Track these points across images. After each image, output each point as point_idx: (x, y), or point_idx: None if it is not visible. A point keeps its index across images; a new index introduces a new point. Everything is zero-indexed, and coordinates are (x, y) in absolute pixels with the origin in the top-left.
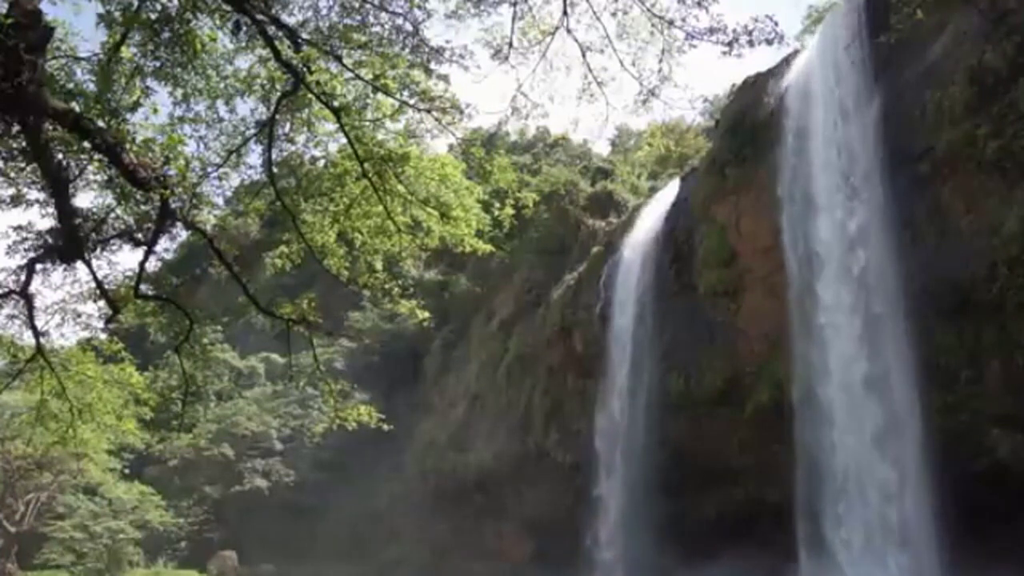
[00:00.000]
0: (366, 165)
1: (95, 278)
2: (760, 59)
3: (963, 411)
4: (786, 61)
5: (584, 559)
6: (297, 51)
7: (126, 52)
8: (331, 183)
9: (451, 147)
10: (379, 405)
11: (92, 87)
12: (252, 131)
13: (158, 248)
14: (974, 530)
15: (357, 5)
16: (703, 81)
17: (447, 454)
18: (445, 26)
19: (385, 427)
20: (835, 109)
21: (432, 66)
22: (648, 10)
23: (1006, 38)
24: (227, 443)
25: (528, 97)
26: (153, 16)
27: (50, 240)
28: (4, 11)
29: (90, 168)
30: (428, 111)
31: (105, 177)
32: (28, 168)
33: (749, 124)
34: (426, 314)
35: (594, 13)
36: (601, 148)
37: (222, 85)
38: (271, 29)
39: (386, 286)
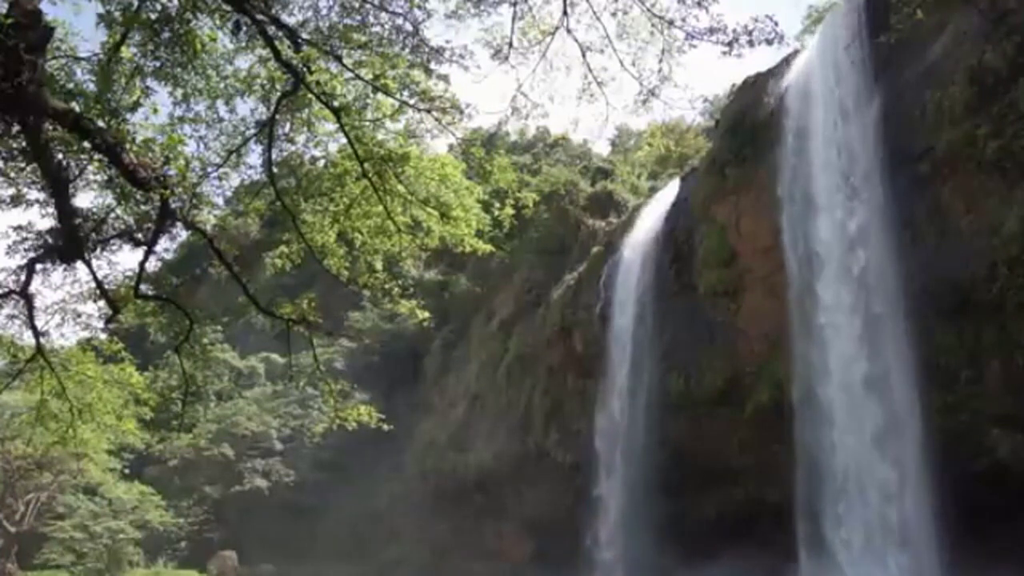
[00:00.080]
0: (366, 165)
1: (95, 278)
2: (760, 59)
3: (963, 411)
4: (786, 61)
5: (584, 559)
6: (297, 51)
7: (126, 52)
8: (331, 183)
9: (451, 147)
10: (379, 405)
11: (92, 87)
12: (252, 131)
13: (158, 248)
14: (974, 530)
15: (357, 5)
16: (703, 81)
17: (447, 454)
18: (445, 26)
19: (385, 427)
20: (835, 109)
21: (432, 66)
22: (648, 10)
23: (1006, 38)
24: (227, 443)
25: (528, 97)
26: (153, 16)
27: (50, 240)
28: (4, 11)
29: (90, 168)
30: (428, 111)
31: (105, 177)
32: (28, 168)
33: (749, 124)
34: (426, 314)
35: (594, 13)
36: (601, 148)
37: (222, 85)
38: (271, 29)
39: (386, 286)
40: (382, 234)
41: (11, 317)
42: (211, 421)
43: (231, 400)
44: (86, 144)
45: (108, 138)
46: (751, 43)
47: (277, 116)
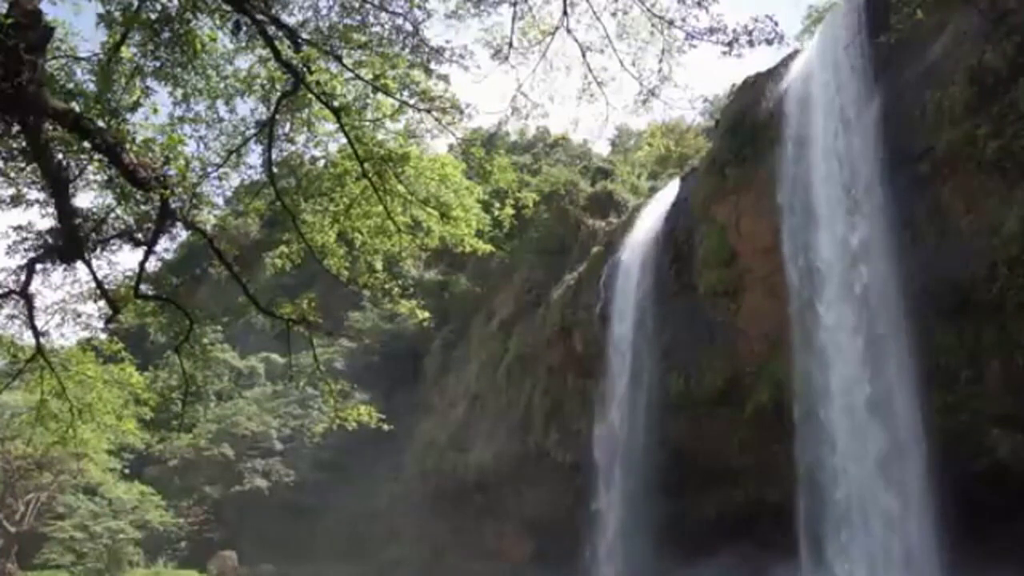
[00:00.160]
0: (366, 165)
1: (95, 278)
2: (760, 59)
3: (963, 411)
4: (784, 63)
5: (583, 573)
6: (297, 51)
7: (126, 52)
8: (331, 183)
9: (451, 147)
10: (379, 405)
11: (92, 87)
12: (252, 131)
13: (158, 248)
14: (974, 530)
15: (357, 5)
16: (703, 81)
17: (447, 454)
18: (445, 26)
19: (385, 427)
20: (835, 117)
21: (432, 66)
22: (648, 10)
23: (1006, 38)
24: (227, 443)
25: (528, 97)
26: (153, 16)
27: (50, 240)
28: (4, 11)
29: (90, 168)
30: (428, 111)
31: (105, 177)
32: (28, 168)
33: (749, 124)
34: (426, 314)
35: (594, 13)
36: (601, 148)
37: (222, 85)
38: (271, 29)
39: (386, 286)
40: (382, 234)
41: (11, 317)
42: (211, 421)
43: (231, 400)
44: (86, 144)
45: (108, 138)
46: (751, 43)
47: (277, 116)
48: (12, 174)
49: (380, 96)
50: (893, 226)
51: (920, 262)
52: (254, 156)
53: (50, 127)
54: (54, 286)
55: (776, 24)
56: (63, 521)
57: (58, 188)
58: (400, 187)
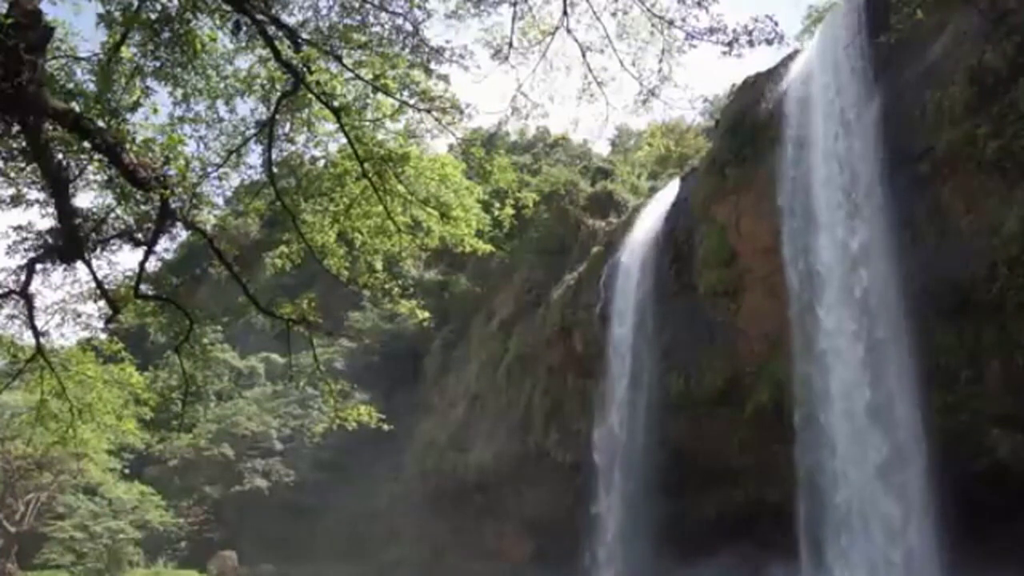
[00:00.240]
0: (366, 165)
1: (95, 278)
2: (760, 59)
3: (963, 411)
4: (784, 63)
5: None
6: (297, 51)
7: (126, 52)
8: (331, 183)
9: (451, 147)
10: (379, 405)
11: (92, 87)
12: (252, 131)
13: (158, 248)
14: (974, 530)
15: (357, 5)
16: (703, 81)
17: (447, 454)
18: (445, 26)
19: (385, 427)
20: (836, 120)
21: (432, 66)
22: (648, 10)
23: (1006, 38)
24: (227, 443)
25: (528, 97)
26: (153, 16)
27: (50, 240)
28: (4, 11)
29: (90, 168)
30: (428, 111)
31: (105, 177)
32: (28, 168)
33: (749, 124)
34: (426, 314)
35: (594, 13)
36: (601, 148)
37: (222, 85)
38: (271, 29)
39: (386, 286)
40: (382, 234)
41: (11, 317)
42: (211, 421)
43: (231, 400)
44: (86, 144)
45: (108, 138)
46: (751, 43)
47: (277, 116)
48: (12, 174)
49: (380, 96)
50: (893, 228)
51: (920, 262)
52: (254, 156)
53: (50, 127)
54: (54, 286)
55: (776, 24)
56: (63, 521)
57: (58, 188)
58: (400, 187)
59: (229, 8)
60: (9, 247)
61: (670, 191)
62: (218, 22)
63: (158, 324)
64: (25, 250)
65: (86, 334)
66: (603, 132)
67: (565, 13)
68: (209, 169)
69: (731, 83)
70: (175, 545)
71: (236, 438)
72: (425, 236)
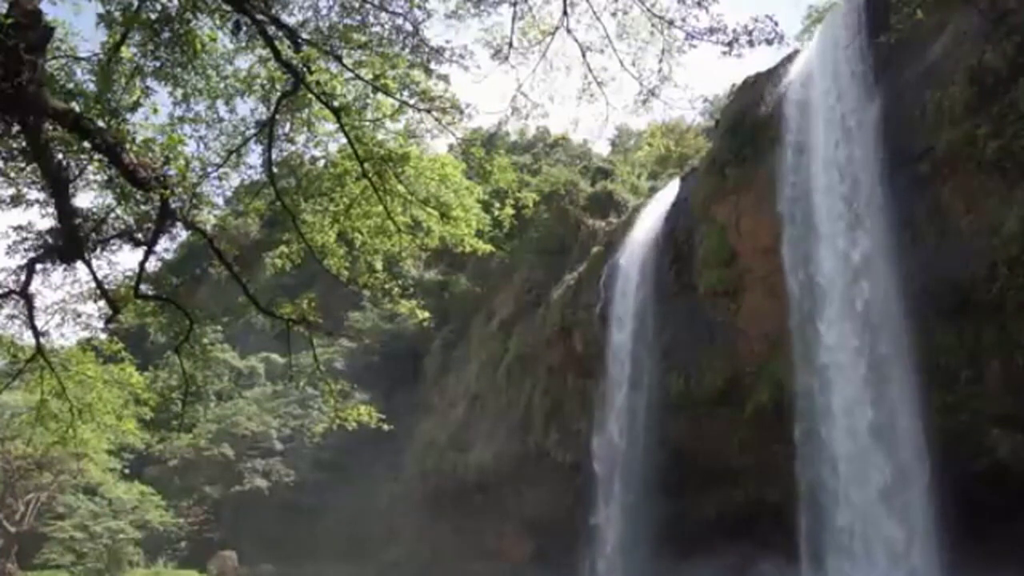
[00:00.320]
0: (366, 165)
1: (95, 278)
2: (760, 59)
3: (963, 411)
4: (785, 63)
5: None
6: (297, 51)
7: (126, 52)
8: (331, 183)
9: (451, 147)
10: (379, 405)
11: (92, 87)
12: (252, 131)
13: (158, 248)
14: (974, 530)
15: (357, 5)
16: (703, 81)
17: (447, 454)
18: (445, 26)
19: (385, 427)
20: (836, 127)
21: (432, 66)
22: (648, 10)
23: (1006, 38)
24: (227, 443)
25: (528, 97)
26: (153, 16)
27: (50, 240)
28: (4, 11)
29: (90, 168)
30: (428, 111)
31: (105, 177)
32: (28, 168)
33: (749, 124)
34: (426, 314)
35: (594, 13)
36: (601, 148)
37: (222, 85)
38: (271, 29)
39: (386, 286)
40: (382, 234)
41: (11, 317)
42: (211, 421)
43: (231, 400)
44: (86, 144)
45: (108, 138)
46: (751, 43)
47: (277, 116)
48: (12, 174)
49: (380, 96)
50: (893, 228)
51: (920, 262)
52: (254, 156)
53: (50, 127)
54: (54, 286)
55: (776, 24)
56: (63, 521)
57: (58, 188)
58: (400, 187)
59: (229, 8)
60: (9, 247)
61: (670, 191)
62: (218, 22)
63: (158, 324)
64: (25, 250)
65: (86, 334)
66: (603, 132)
67: (565, 13)
68: (209, 169)
69: (731, 83)
70: (175, 545)
71: (236, 438)
72: (425, 236)
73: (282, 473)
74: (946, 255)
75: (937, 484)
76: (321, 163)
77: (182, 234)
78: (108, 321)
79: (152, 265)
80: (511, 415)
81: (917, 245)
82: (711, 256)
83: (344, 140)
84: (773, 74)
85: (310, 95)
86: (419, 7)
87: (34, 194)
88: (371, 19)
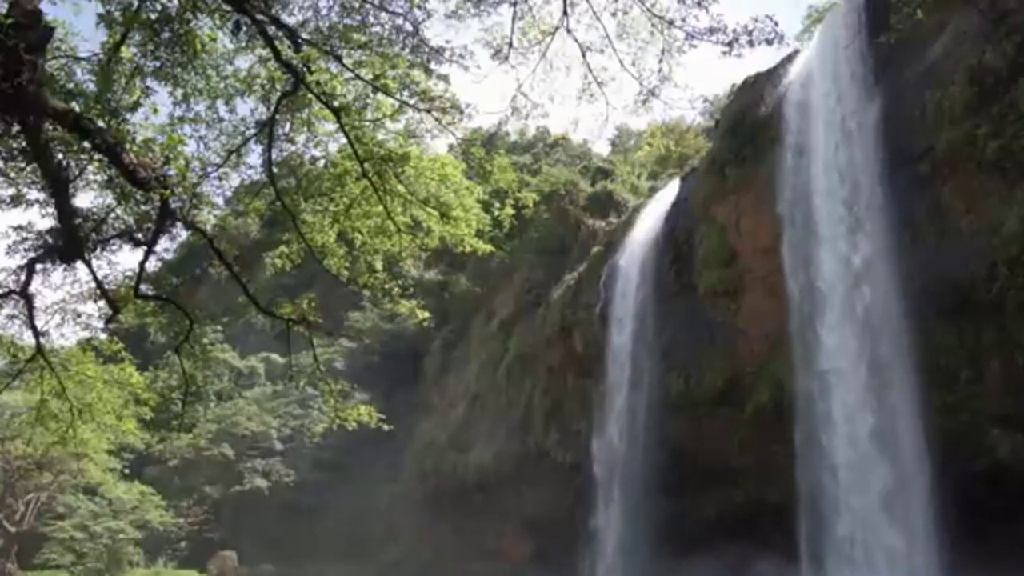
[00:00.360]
0: (366, 165)
1: (95, 278)
2: (760, 59)
3: (963, 411)
4: (785, 63)
5: None
6: (297, 51)
7: (126, 52)
8: (331, 183)
9: (451, 147)
10: (379, 405)
11: (92, 87)
12: (252, 131)
13: (158, 248)
14: (974, 530)
15: (357, 5)
16: (703, 81)
17: (447, 454)
18: (445, 26)
19: (385, 427)
20: (836, 129)
21: (432, 66)
22: (648, 10)
23: (1006, 38)
24: (227, 443)
25: (528, 97)
26: (153, 16)
27: (50, 240)
28: (4, 11)
29: (90, 168)
30: (428, 111)
31: (105, 177)
32: (28, 168)
33: (749, 124)
34: (426, 314)
35: (594, 13)
36: (601, 148)
37: (222, 85)
38: (271, 29)
39: (386, 286)
40: (382, 234)
41: (11, 317)
42: (211, 421)
43: (231, 400)
44: (86, 144)
45: (108, 138)
46: (751, 43)
47: (277, 116)
48: (12, 174)
49: (380, 96)
50: (895, 234)
51: (920, 262)
52: (254, 156)
53: (50, 127)
54: (54, 286)
55: (776, 24)
56: (63, 521)
57: (58, 188)
58: (400, 187)
59: (229, 8)
60: (9, 247)
61: (670, 191)
62: (218, 22)
63: (158, 324)
64: (25, 250)
65: (86, 334)
66: (603, 132)
67: (565, 13)
68: (209, 169)
69: (731, 83)
70: (175, 545)
71: (236, 438)
72: (425, 236)
73: (282, 473)
74: (946, 255)
75: (937, 486)
76: (321, 163)
77: (182, 234)
78: (108, 321)
79: (152, 265)
80: (511, 415)
81: (917, 245)
82: (711, 256)
83: (344, 140)
84: (773, 74)
85: (310, 95)
86: (419, 7)
87: (34, 194)
88: (371, 19)
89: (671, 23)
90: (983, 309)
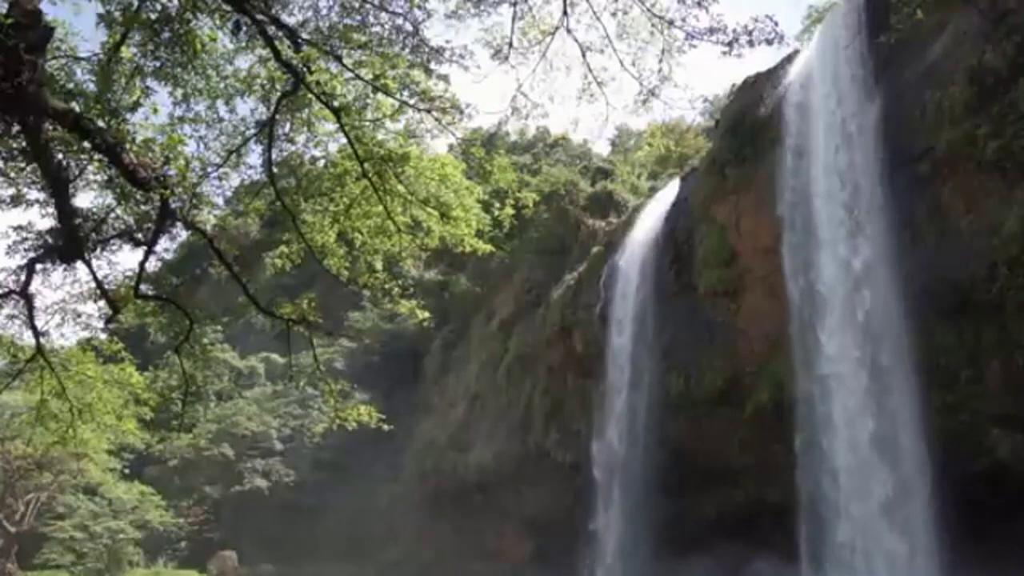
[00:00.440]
0: (366, 165)
1: (95, 278)
2: (760, 59)
3: (963, 411)
4: (784, 63)
5: None
6: (297, 51)
7: (126, 52)
8: (331, 183)
9: (451, 147)
10: (379, 405)
11: (92, 87)
12: (252, 131)
13: (158, 248)
14: (974, 530)
15: (357, 5)
16: (703, 81)
17: (447, 454)
18: (445, 26)
19: (385, 427)
20: (837, 132)
21: (432, 66)
22: (648, 10)
23: (1006, 38)
24: (227, 443)
25: (528, 97)
26: (153, 16)
27: (50, 240)
28: (4, 11)
29: (90, 168)
30: (428, 111)
31: (105, 177)
32: (28, 168)
33: (749, 124)
34: (426, 314)
35: (594, 13)
36: (601, 148)
37: (222, 85)
38: (271, 29)
39: (386, 286)
40: (382, 234)
41: (11, 317)
42: (211, 421)
43: (231, 400)
44: (86, 144)
45: (108, 138)
46: (751, 43)
47: (277, 116)
48: (12, 174)
49: (380, 96)
50: (895, 236)
51: (920, 262)
52: (254, 156)
53: (50, 127)
54: (54, 286)
55: (776, 24)
56: (63, 521)
57: (58, 188)
58: (400, 187)
59: (229, 8)
60: (9, 247)
61: (670, 191)
62: (218, 22)
63: (158, 324)
64: (25, 250)
65: (86, 334)
66: (603, 132)
67: (565, 13)
68: (209, 169)
69: (731, 83)
70: (175, 545)
71: (236, 438)
72: (425, 236)
73: (282, 473)
74: (946, 255)
75: (938, 488)
76: (321, 163)
77: (182, 234)
78: (108, 321)
79: (152, 265)
80: (511, 415)
81: (917, 245)
82: (711, 256)
83: (344, 140)
84: (773, 74)
85: (310, 95)
86: (419, 7)
87: (34, 194)
88: (371, 19)
89: (671, 23)
90: (983, 309)
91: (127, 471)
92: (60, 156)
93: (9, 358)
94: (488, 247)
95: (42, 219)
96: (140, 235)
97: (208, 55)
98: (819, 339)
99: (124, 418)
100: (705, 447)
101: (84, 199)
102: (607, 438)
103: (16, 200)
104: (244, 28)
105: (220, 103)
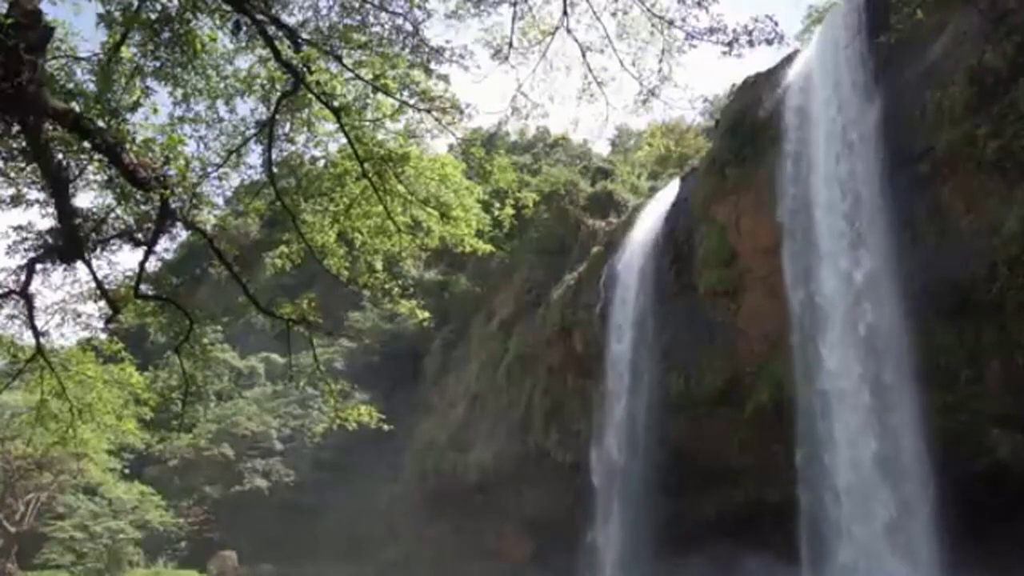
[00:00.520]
0: (366, 165)
1: (95, 278)
2: (760, 59)
3: (963, 411)
4: (783, 64)
5: None
6: (297, 51)
7: (126, 52)
8: (331, 183)
9: (451, 147)
10: (379, 405)
11: (92, 87)
12: (252, 131)
13: (158, 248)
14: (974, 530)
15: (357, 5)
16: (703, 81)
17: (447, 454)
18: (445, 26)
19: (385, 427)
20: (837, 140)
21: (432, 66)
22: (648, 10)
23: (1006, 38)
24: (227, 443)
25: (528, 97)
26: (153, 16)
27: (50, 240)
28: (4, 11)
29: (90, 168)
30: (428, 111)
31: (105, 177)
32: (28, 168)
33: (749, 124)
34: (426, 314)
35: (594, 13)
36: (601, 148)
37: (222, 85)
38: (271, 29)
39: (386, 286)
40: (382, 234)
41: (11, 317)
42: (211, 421)
43: (231, 400)
44: (86, 144)
45: (108, 138)
46: (751, 43)
47: (277, 116)
48: (12, 174)
49: (380, 96)
50: (895, 238)
51: (920, 263)
52: (254, 156)
53: (50, 127)
54: (54, 286)
55: (776, 24)
56: (63, 521)
57: (58, 188)
58: (400, 187)
59: (229, 8)
60: (9, 247)
61: (670, 191)
62: (218, 22)
63: (158, 324)
64: (25, 250)
65: (86, 334)
66: (603, 132)
67: (565, 13)
68: (209, 169)
69: (731, 83)
70: (175, 545)
71: (236, 438)
72: (425, 236)
73: (282, 473)
74: (946, 255)
75: (940, 502)
76: (321, 163)
77: (182, 234)
78: (108, 321)
79: (152, 265)
80: (511, 415)
81: (917, 245)
82: (711, 256)
83: (344, 140)
84: (773, 75)
85: (310, 95)
86: (419, 7)
87: (34, 194)
88: (371, 19)
89: (671, 23)
90: (983, 309)
91: (127, 471)
92: (60, 156)
93: (9, 358)
94: (488, 247)
95: (42, 219)
96: (140, 235)
97: (208, 55)
98: (820, 352)
99: (124, 418)
100: (705, 447)
101: (84, 199)
102: (606, 446)
103: (16, 200)
104: (244, 28)
105: (220, 103)
